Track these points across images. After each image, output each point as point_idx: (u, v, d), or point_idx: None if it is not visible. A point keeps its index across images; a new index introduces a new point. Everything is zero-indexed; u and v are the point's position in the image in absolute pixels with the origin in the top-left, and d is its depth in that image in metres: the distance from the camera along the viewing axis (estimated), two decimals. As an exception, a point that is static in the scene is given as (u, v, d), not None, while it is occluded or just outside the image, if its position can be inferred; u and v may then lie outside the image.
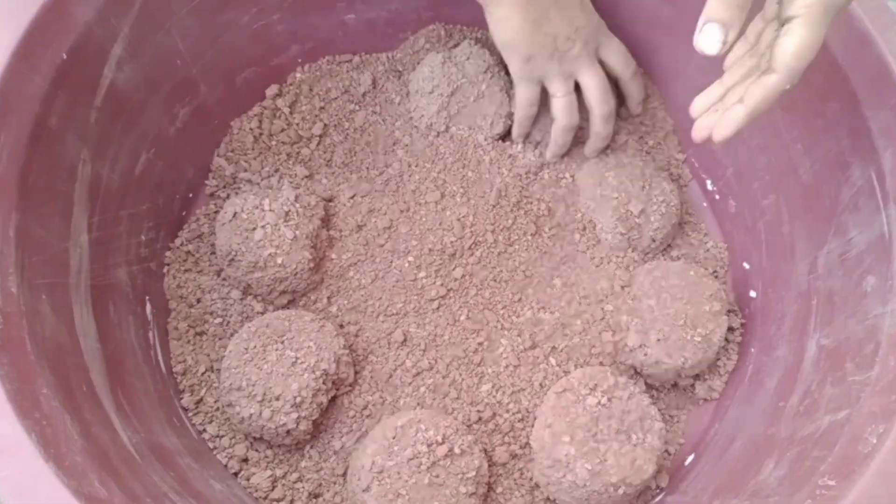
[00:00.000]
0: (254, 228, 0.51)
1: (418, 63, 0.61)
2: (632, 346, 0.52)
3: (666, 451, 0.53)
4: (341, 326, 0.53)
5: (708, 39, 0.35)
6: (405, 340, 0.53)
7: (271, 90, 0.61)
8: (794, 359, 0.49)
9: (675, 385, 0.55)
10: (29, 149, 0.42)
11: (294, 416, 0.47)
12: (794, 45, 0.34)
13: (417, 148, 0.59)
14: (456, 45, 0.62)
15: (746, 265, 0.58)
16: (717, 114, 0.38)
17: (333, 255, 0.55)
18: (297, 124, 0.61)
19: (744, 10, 0.34)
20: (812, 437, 0.42)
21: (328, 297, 0.54)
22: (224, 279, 0.55)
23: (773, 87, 0.35)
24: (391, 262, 0.55)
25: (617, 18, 0.60)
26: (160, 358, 0.52)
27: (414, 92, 0.60)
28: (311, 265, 0.53)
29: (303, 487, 0.49)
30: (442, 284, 0.54)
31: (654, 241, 0.57)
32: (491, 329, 0.54)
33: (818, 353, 0.46)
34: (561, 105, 0.56)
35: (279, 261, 0.51)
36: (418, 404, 0.51)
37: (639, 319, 0.52)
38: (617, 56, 0.57)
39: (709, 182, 0.62)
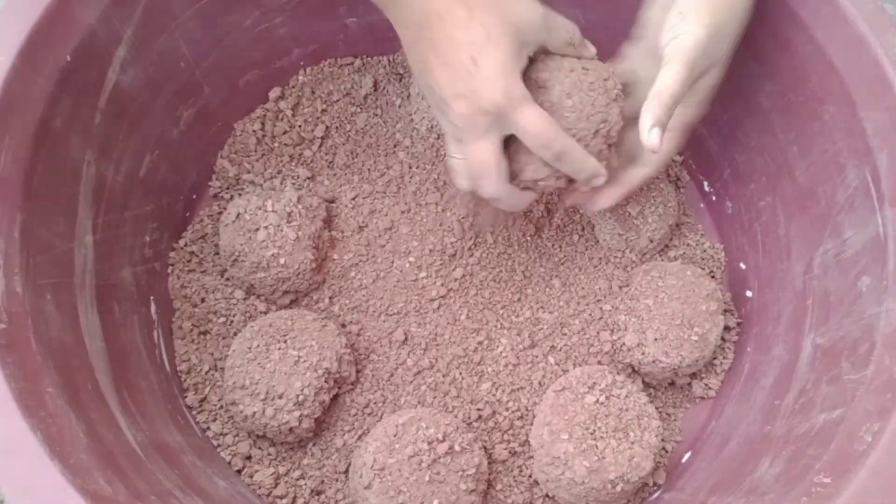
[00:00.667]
0: (257, 229, 0.52)
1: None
2: (629, 345, 0.52)
3: (663, 448, 0.53)
4: (343, 326, 0.54)
5: (651, 136, 0.42)
6: (406, 339, 0.53)
7: (274, 92, 0.62)
8: (790, 358, 0.49)
9: (672, 383, 0.55)
10: (33, 150, 0.42)
11: (297, 414, 0.47)
12: (662, 81, 0.42)
13: (418, 150, 0.59)
14: None
15: (743, 265, 0.59)
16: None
17: (335, 256, 0.56)
18: (300, 126, 0.61)
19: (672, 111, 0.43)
20: (807, 436, 0.42)
21: (330, 297, 0.55)
22: (227, 279, 0.55)
23: (643, 178, 0.48)
24: (392, 262, 0.55)
25: (616, 21, 0.60)
26: (164, 357, 0.52)
27: (415, 95, 0.60)
28: (314, 265, 0.53)
29: (305, 484, 0.50)
30: (442, 284, 0.55)
31: (651, 241, 0.57)
32: (490, 328, 0.54)
33: (814, 353, 0.47)
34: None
35: (282, 261, 0.51)
36: (419, 402, 0.51)
37: (636, 319, 0.53)
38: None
39: (706, 183, 0.63)
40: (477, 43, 0.38)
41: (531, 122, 0.40)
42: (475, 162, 0.42)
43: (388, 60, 0.64)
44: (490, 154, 0.41)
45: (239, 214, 0.53)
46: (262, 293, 0.54)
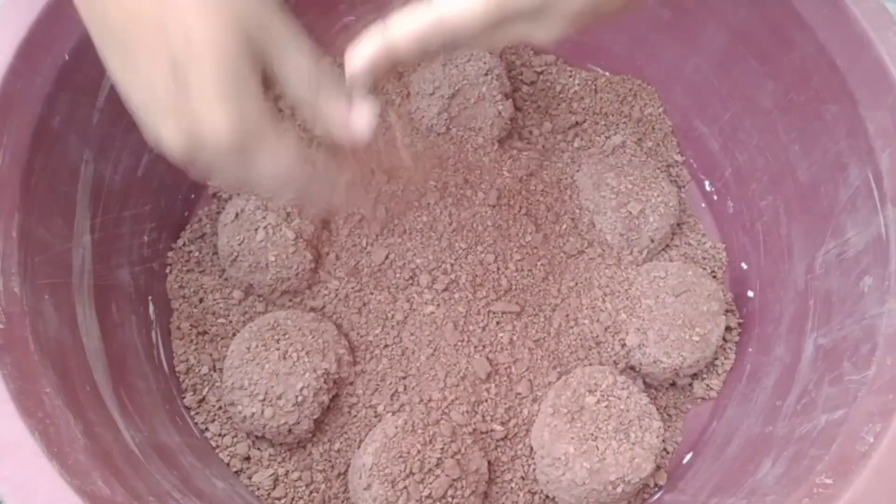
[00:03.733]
0: (256, 229, 0.52)
1: (419, 65, 0.62)
2: (630, 346, 0.52)
3: (664, 449, 0.53)
4: (342, 326, 0.54)
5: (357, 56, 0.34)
6: (406, 340, 0.53)
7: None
8: (792, 358, 0.49)
9: (673, 384, 0.55)
10: (31, 149, 0.42)
11: (295, 415, 0.47)
12: None
13: (418, 149, 0.59)
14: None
15: (744, 265, 0.58)
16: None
17: (334, 256, 0.56)
18: (299, 125, 0.61)
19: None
20: (809, 436, 0.42)
21: (330, 298, 0.55)
22: (226, 279, 0.55)
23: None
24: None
25: (617, 21, 0.60)
26: (163, 357, 0.52)
27: (415, 94, 0.60)
28: (312, 265, 0.53)
29: (304, 486, 0.49)
30: (443, 287, 0.54)
31: (652, 241, 0.57)
32: (490, 330, 0.54)
33: (815, 353, 0.47)
34: None
35: (281, 261, 0.51)
36: (419, 403, 0.51)
37: (637, 319, 0.52)
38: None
39: (707, 183, 0.62)
40: (176, 45, 0.26)
41: (265, 168, 0.30)
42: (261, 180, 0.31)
43: (388, 59, 0.64)
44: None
45: (238, 214, 0.52)
46: (260, 293, 0.54)
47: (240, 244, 0.51)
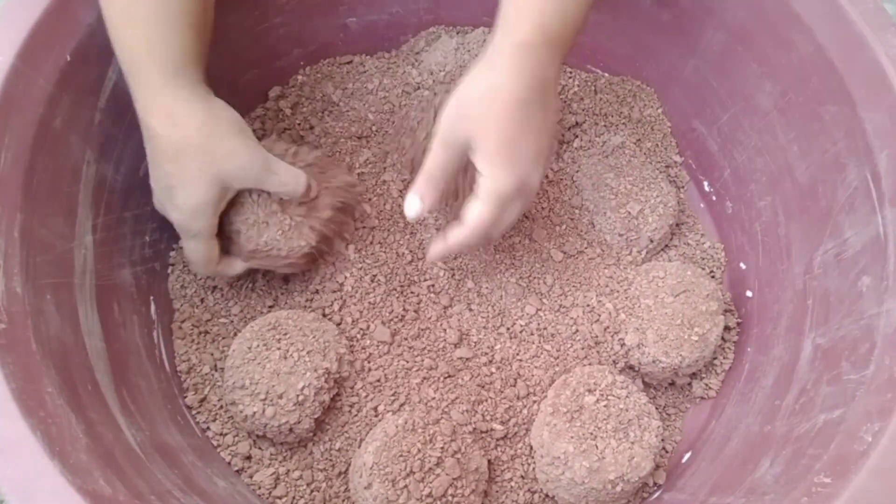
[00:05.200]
0: (255, 215, 0.51)
1: (419, 64, 0.62)
2: (630, 345, 0.52)
3: (663, 448, 0.53)
4: (342, 326, 0.54)
5: (409, 206, 0.44)
6: (406, 340, 0.53)
7: (273, 92, 0.62)
8: (790, 358, 0.49)
9: (672, 383, 0.55)
10: (33, 150, 0.42)
11: (296, 414, 0.47)
12: (471, 215, 0.43)
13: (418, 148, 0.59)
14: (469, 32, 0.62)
15: (743, 265, 0.59)
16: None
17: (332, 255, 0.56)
18: (299, 125, 0.61)
19: (438, 189, 0.44)
20: (808, 436, 0.42)
21: (329, 297, 0.55)
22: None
23: (456, 237, 0.44)
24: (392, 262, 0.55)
25: (616, 22, 0.60)
26: (164, 357, 0.52)
27: (415, 93, 0.60)
28: (307, 250, 0.52)
29: (305, 485, 0.50)
30: (444, 289, 0.55)
31: (651, 241, 0.57)
32: (490, 330, 0.54)
33: (814, 353, 0.47)
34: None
35: (277, 245, 0.50)
36: (419, 403, 0.51)
37: (637, 319, 0.53)
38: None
39: (706, 183, 0.63)
40: (173, 176, 0.45)
41: (187, 253, 0.49)
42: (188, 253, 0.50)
43: (388, 60, 0.64)
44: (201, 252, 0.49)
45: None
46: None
47: (239, 225, 0.50)
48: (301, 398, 0.47)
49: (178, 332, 0.54)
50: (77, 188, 0.46)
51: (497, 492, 0.50)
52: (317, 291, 0.55)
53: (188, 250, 0.49)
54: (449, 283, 0.55)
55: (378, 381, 0.52)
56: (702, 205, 0.63)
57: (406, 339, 0.53)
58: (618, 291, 0.55)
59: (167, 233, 0.56)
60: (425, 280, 0.55)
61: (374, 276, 0.55)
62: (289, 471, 0.50)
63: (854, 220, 0.46)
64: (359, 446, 0.50)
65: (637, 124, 0.63)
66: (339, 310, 0.54)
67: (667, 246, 0.60)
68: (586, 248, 0.57)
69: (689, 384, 0.56)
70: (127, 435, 0.42)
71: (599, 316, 0.54)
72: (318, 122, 0.61)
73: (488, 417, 0.51)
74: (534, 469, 0.50)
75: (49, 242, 0.43)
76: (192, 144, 0.44)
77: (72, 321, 0.43)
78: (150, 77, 0.42)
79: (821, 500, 0.37)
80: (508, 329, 0.54)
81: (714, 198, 0.62)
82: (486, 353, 0.53)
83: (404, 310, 0.54)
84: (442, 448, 0.46)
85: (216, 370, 0.53)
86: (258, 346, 0.49)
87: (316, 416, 0.49)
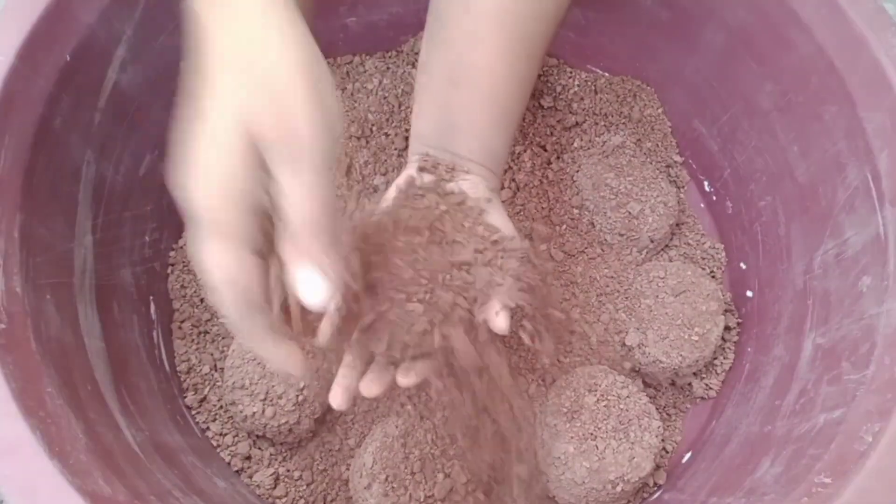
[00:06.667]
0: None
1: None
2: (630, 345, 0.52)
3: (663, 448, 0.53)
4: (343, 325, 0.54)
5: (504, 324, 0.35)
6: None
7: (273, 92, 0.62)
8: (791, 358, 0.49)
9: (672, 384, 0.55)
10: (33, 150, 0.42)
11: (296, 414, 0.47)
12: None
13: None
14: None
15: (743, 265, 0.59)
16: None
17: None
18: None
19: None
20: (808, 436, 0.42)
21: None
22: None
23: None
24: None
25: (617, 22, 0.60)
26: (164, 357, 0.52)
27: (415, 92, 0.60)
28: None
29: (305, 485, 0.50)
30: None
31: (652, 241, 0.57)
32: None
33: (814, 353, 0.47)
34: None
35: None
36: (419, 403, 0.51)
37: (637, 319, 0.53)
38: None
39: (706, 183, 0.63)
40: (198, 131, 0.27)
41: (203, 261, 0.28)
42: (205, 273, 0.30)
43: (388, 60, 0.64)
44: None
45: None
46: None
47: None
48: (301, 398, 0.47)
49: (178, 332, 0.54)
50: (77, 188, 0.46)
51: (497, 491, 0.50)
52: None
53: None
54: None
55: (378, 381, 0.52)
56: (702, 205, 0.63)
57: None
58: (618, 291, 0.55)
59: (167, 233, 0.56)
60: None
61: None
62: (289, 471, 0.50)
63: (854, 220, 0.46)
64: (359, 446, 0.50)
65: (637, 124, 0.63)
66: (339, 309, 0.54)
67: (667, 246, 0.60)
68: (586, 248, 0.57)
69: (690, 384, 0.55)
70: (126, 435, 0.42)
71: (600, 316, 0.54)
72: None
73: (488, 417, 0.51)
74: (534, 469, 0.50)
75: (49, 242, 0.43)
76: None
77: (71, 321, 0.43)
78: None
79: (821, 500, 0.37)
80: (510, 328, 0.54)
81: (714, 198, 0.62)
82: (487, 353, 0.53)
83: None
84: (442, 448, 0.46)
85: (216, 370, 0.53)
86: (258, 346, 0.49)
87: (316, 416, 0.49)
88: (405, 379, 0.37)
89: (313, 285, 0.29)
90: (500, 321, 0.35)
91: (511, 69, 0.43)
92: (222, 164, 0.27)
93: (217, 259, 0.28)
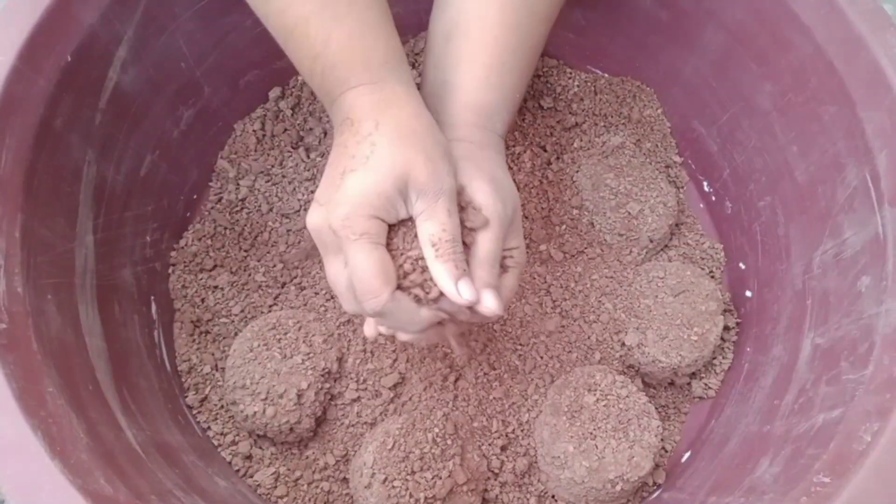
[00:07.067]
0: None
1: (419, 65, 0.62)
2: (630, 345, 0.52)
3: (663, 448, 0.53)
4: (344, 325, 0.54)
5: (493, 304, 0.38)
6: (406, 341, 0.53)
7: (274, 92, 0.62)
8: (790, 358, 0.49)
9: (671, 383, 0.55)
10: (34, 150, 0.42)
11: (297, 413, 0.47)
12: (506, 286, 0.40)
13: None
14: None
15: (742, 265, 0.59)
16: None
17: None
18: (299, 126, 0.61)
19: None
20: (807, 435, 0.42)
21: (331, 296, 0.55)
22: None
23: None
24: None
25: (616, 23, 0.60)
26: (165, 357, 0.52)
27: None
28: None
29: (305, 484, 0.50)
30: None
31: (651, 241, 0.57)
32: (491, 329, 0.54)
33: (813, 353, 0.47)
34: None
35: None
36: (419, 403, 0.51)
37: (636, 319, 0.53)
38: None
39: (705, 184, 0.63)
40: (356, 158, 0.35)
41: (353, 266, 0.36)
42: (329, 278, 0.39)
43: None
44: (339, 274, 0.38)
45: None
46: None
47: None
48: (301, 398, 0.47)
49: (179, 332, 0.54)
50: (78, 188, 0.46)
51: (497, 491, 0.50)
52: (316, 293, 0.55)
53: (330, 273, 0.39)
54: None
55: (378, 381, 0.52)
56: (701, 205, 0.63)
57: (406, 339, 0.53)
58: (618, 291, 0.55)
59: (168, 233, 0.56)
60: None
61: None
62: (289, 470, 0.50)
63: (853, 220, 0.46)
64: (359, 446, 0.50)
65: (637, 125, 0.63)
66: (340, 309, 0.54)
67: (666, 246, 0.60)
68: (586, 248, 0.57)
69: (689, 384, 0.56)
70: (128, 434, 0.42)
71: (599, 316, 0.54)
72: (317, 123, 0.61)
73: (489, 417, 0.51)
74: (534, 468, 0.50)
75: (50, 242, 0.43)
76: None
77: (73, 321, 0.43)
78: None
79: (820, 499, 0.37)
80: (508, 329, 0.54)
81: (713, 198, 0.62)
82: (487, 354, 0.53)
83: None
84: (442, 448, 0.46)
85: (217, 370, 0.53)
86: (259, 345, 0.49)
87: (316, 416, 0.49)
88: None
89: (495, 302, 0.37)
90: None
91: (505, 18, 0.41)
92: (376, 184, 0.35)
93: (369, 261, 0.36)
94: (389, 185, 0.35)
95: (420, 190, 0.36)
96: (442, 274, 0.36)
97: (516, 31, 0.42)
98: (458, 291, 0.36)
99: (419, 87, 0.43)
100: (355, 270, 0.36)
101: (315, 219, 0.37)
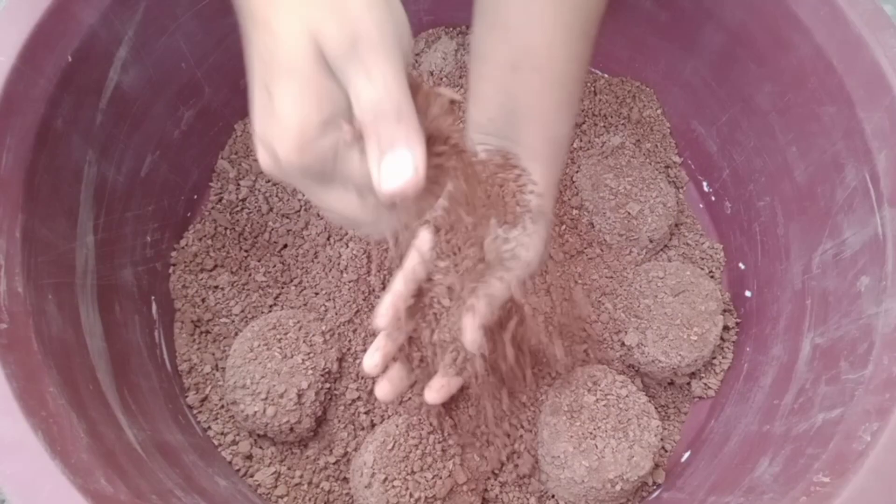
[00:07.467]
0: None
1: (419, 65, 0.62)
2: (629, 345, 0.52)
3: (662, 447, 0.53)
4: (344, 325, 0.54)
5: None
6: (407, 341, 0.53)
7: (273, 92, 0.62)
8: (789, 357, 0.49)
9: (671, 383, 0.55)
10: (35, 150, 0.42)
11: (297, 413, 0.47)
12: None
13: None
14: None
15: (742, 265, 0.59)
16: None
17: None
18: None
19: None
20: (806, 435, 0.42)
21: (331, 296, 0.55)
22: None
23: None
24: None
25: (616, 23, 0.60)
26: (166, 357, 0.52)
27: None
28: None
29: (306, 484, 0.50)
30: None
31: (651, 241, 0.57)
32: (490, 328, 0.54)
33: (812, 352, 0.47)
34: None
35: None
36: (419, 402, 0.51)
37: (636, 318, 0.53)
38: None
39: (705, 184, 0.63)
40: (268, 63, 0.27)
41: (331, 208, 0.28)
42: (330, 213, 0.31)
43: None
44: (342, 202, 0.30)
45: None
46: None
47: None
48: (302, 397, 0.47)
49: (180, 332, 0.54)
50: (78, 188, 0.46)
51: (497, 490, 0.50)
52: (317, 293, 0.55)
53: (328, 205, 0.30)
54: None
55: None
56: (701, 205, 0.63)
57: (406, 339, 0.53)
58: (617, 291, 0.55)
59: (168, 233, 0.56)
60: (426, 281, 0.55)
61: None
62: (289, 470, 0.50)
63: (853, 221, 0.46)
64: (360, 446, 0.50)
65: (636, 125, 0.63)
66: (341, 308, 0.54)
67: (666, 246, 0.60)
68: (586, 248, 0.57)
69: (689, 384, 0.56)
70: (128, 434, 0.42)
71: (599, 315, 0.54)
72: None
73: (489, 417, 0.51)
74: (534, 469, 0.50)
75: (50, 242, 0.43)
76: None
77: (73, 321, 0.43)
78: None
79: (819, 499, 0.37)
80: (509, 328, 0.54)
81: (713, 198, 0.62)
82: (487, 352, 0.53)
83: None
84: (443, 448, 0.46)
85: (217, 370, 0.53)
86: (259, 345, 0.49)
87: (317, 416, 0.49)
88: (434, 395, 0.43)
89: (402, 164, 0.27)
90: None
91: (569, 50, 0.41)
92: (305, 85, 0.26)
93: (334, 203, 0.29)
94: (316, 73, 0.26)
95: (335, 55, 0.26)
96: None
97: (580, 62, 0.43)
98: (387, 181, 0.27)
99: (466, 96, 0.43)
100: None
101: (269, 168, 0.29)
